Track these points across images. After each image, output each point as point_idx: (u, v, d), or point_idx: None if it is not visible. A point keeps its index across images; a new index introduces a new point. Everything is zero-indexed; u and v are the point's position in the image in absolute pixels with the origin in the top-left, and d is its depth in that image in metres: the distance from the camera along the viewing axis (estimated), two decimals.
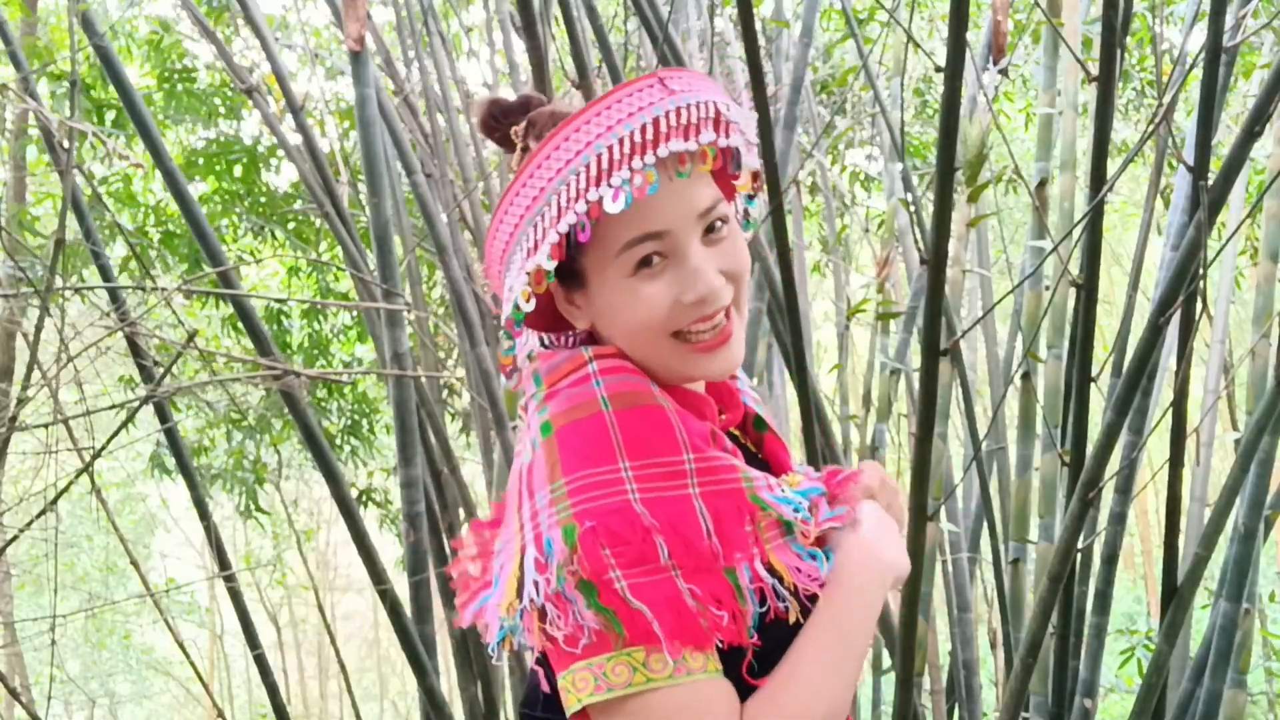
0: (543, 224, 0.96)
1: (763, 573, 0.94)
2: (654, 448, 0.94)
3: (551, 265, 0.97)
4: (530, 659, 1.03)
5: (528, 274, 0.98)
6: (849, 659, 0.97)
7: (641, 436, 0.94)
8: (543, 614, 0.92)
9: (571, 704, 0.93)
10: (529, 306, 0.99)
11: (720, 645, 0.93)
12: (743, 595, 0.93)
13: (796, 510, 0.97)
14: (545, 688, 1.01)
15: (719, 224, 1.01)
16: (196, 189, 4.72)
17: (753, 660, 0.95)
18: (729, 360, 1.02)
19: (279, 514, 6.90)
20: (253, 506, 5.00)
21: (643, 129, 0.94)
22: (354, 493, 5.13)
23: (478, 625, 1.00)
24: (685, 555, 0.91)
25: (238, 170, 4.68)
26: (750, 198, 1.12)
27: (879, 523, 1.04)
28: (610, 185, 0.93)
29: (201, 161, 4.64)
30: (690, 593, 0.90)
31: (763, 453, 1.13)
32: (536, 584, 0.91)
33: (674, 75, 0.99)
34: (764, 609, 0.94)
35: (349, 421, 5.09)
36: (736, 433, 1.13)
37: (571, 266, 1.01)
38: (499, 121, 1.06)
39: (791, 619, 0.95)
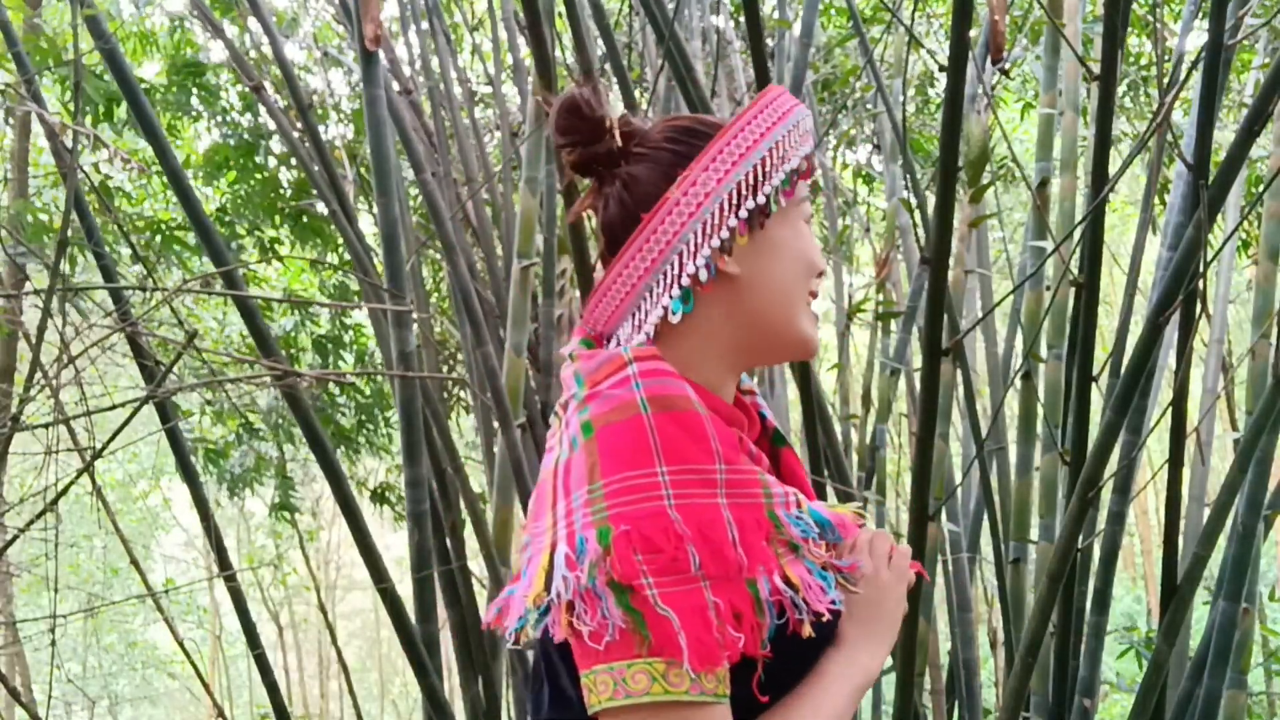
0: (770, 161, 1.06)
1: (781, 585, 0.97)
2: (689, 454, 0.96)
3: (775, 189, 1.06)
4: (531, 658, 1.05)
5: (748, 210, 1.05)
6: None
7: (678, 442, 0.96)
8: (570, 608, 0.93)
9: (592, 704, 0.94)
10: (742, 241, 1.05)
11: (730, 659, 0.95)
12: (761, 608, 0.96)
13: (805, 533, 1.01)
14: (561, 684, 1.03)
15: None
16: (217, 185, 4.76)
17: (762, 676, 0.97)
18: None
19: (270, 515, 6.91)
20: (282, 504, 5.04)
21: (804, 120, 1.11)
22: (368, 491, 5.18)
23: (493, 619, 1.02)
24: (714, 565, 0.93)
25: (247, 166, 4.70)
26: None
27: (871, 619, 1.06)
28: (807, 149, 1.10)
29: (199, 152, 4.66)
30: (715, 606, 0.92)
31: (779, 469, 1.15)
32: (566, 579, 0.93)
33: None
34: (782, 620, 0.97)
35: (364, 416, 5.12)
36: (754, 448, 1.16)
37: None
38: (593, 110, 1.07)
39: (805, 633, 0.98)
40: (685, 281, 1.03)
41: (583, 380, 1.03)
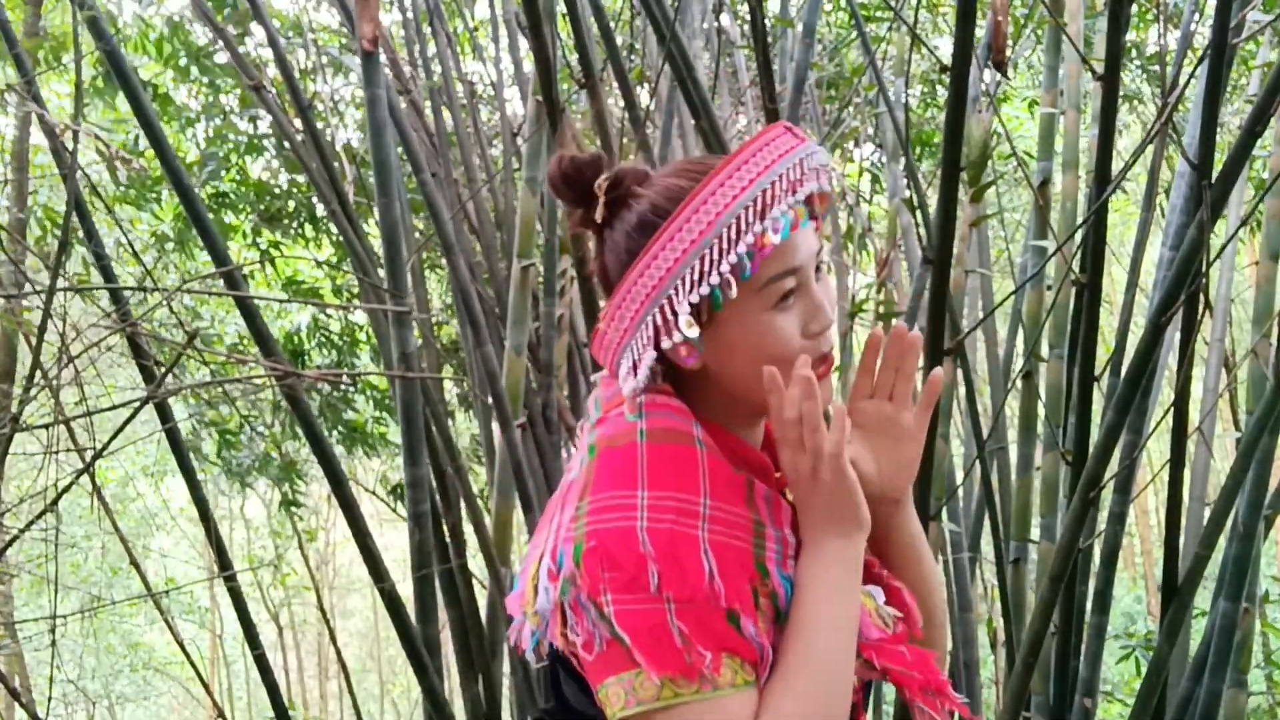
0: (710, 255, 0.99)
1: (762, 637, 0.97)
2: (673, 483, 0.99)
3: (725, 291, 0.99)
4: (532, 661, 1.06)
5: (691, 304, 1.00)
6: (836, 642, 0.99)
7: (664, 470, 0.99)
8: (564, 620, 0.97)
9: (611, 716, 0.97)
10: (693, 332, 1.00)
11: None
12: (749, 642, 0.96)
13: (789, 598, 1.00)
14: (564, 694, 1.05)
15: (822, 265, 1.06)
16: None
17: None
18: (829, 391, 1.06)
19: (278, 512, 6.91)
20: (290, 497, 5.05)
21: (791, 170, 1.01)
22: (386, 489, 5.19)
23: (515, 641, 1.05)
24: (680, 587, 0.94)
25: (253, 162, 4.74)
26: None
27: (812, 507, 1.02)
28: (772, 219, 0.99)
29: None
30: (679, 630, 0.94)
31: None
32: (545, 590, 0.97)
33: (791, 126, 1.06)
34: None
35: (381, 412, 5.14)
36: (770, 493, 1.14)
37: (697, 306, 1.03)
38: (580, 175, 1.06)
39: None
40: (642, 374, 1.03)
41: (599, 406, 1.08)
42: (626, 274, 1.02)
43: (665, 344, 1.01)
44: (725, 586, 0.95)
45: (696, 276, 0.99)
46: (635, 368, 1.03)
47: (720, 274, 0.98)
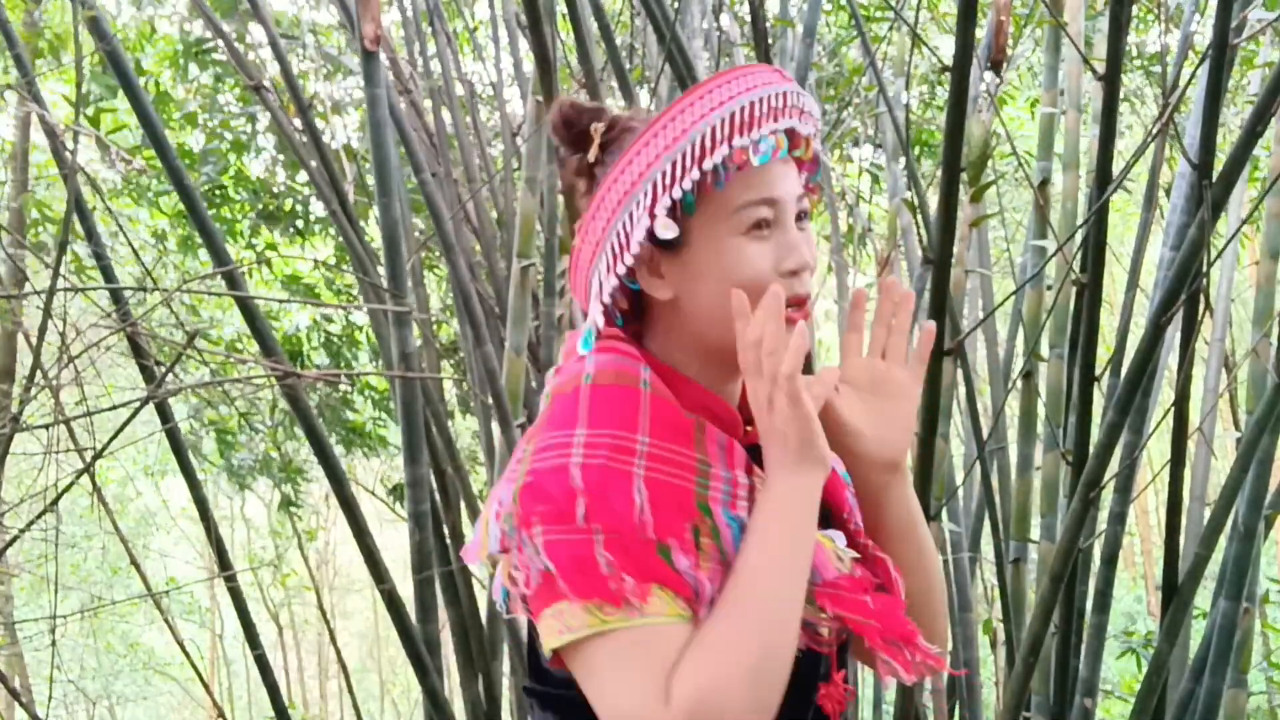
0: (684, 162, 0.98)
1: (700, 574, 0.95)
2: (611, 422, 0.98)
3: (698, 199, 0.98)
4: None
5: (666, 206, 0.98)
6: (777, 590, 0.95)
7: (604, 410, 0.99)
8: (508, 557, 0.98)
9: (546, 650, 0.97)
10: (670, 233, 0.99)
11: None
12: (681, 577, 0.95)
13: (736, 539, 0.98)
14: (539, 656, 1.04)
15: (804, 215, 1.04)
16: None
17: None
18: (802, 337, 1.03)
19: (278, 512, 6.91)
20: (291, 497, 5.06)
21: (774, 97, 1.00)
22: (386, 489, 5.19)
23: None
24: (608, 519, 0.94)
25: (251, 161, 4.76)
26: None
27: (769, 444, 0.98)
28: (751, 138, 0.98)
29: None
30: (607, 561, 0.93)
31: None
32: (494, 534, 0.98)
33: (781, 69, 1.05)
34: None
35: (381, 413, 5.15)
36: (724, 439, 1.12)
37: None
38: (579, 118, 1.06)
39: None
40: (606, 301, 1.03)
41: (562, 356, 1.09)
42: (599, 187, 1.01)
43: (636, 246, 0.99)
44: (656, 520, 0.94)
45: (669, 181, 0.97)
46: (603, 287, 1.01)
47: (692, 180, 0.97)
